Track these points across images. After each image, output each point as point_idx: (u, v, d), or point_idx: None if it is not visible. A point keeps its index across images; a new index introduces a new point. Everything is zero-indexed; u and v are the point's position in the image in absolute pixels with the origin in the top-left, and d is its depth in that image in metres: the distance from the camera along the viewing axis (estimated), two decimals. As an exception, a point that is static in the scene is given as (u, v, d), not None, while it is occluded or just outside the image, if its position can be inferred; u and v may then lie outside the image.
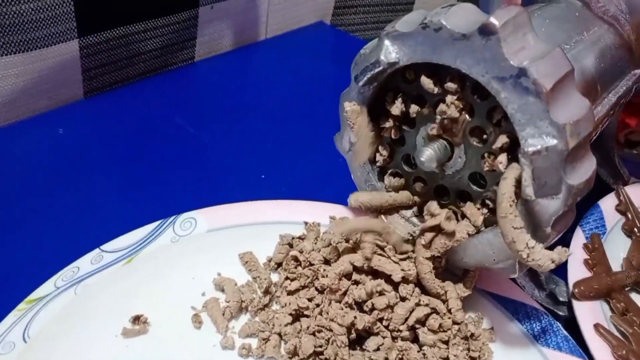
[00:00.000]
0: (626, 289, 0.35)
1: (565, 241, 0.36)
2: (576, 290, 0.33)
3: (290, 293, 0.32)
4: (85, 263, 0.32)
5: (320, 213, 0.36)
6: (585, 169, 0.24)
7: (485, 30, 0.24)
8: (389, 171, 0.32)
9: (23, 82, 0.45)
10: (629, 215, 0.40)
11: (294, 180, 0.44)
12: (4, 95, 0.45)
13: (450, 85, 0.26)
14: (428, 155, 0.27)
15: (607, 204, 0.40)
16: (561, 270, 0.34)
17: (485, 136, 0.27)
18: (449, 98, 0.26)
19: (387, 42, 0.27)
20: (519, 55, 0.23)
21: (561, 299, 0.34)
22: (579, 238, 0.37)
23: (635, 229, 0.39)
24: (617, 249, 0.37)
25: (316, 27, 0.69)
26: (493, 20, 0.23)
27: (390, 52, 0.27)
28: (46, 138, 0.46)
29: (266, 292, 0.32)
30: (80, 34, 0.47)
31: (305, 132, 0.50)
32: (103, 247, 0.33)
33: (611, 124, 0.43)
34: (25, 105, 0.47)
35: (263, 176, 0.44)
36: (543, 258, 0.24)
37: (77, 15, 0.45)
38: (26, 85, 0.46)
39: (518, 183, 0.25)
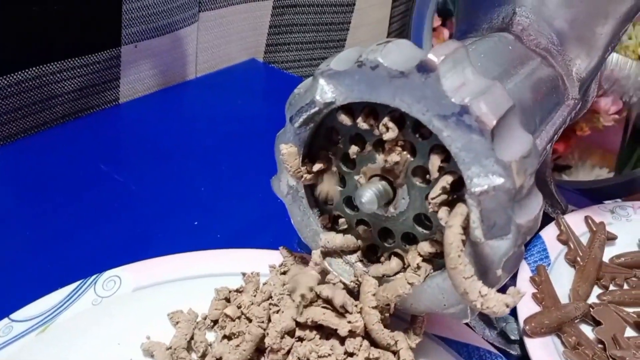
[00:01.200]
0: (576, 321, 0.34)
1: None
2: (527, 327, 0.32)
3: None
4: (-10, 337, 0.28)
5: (259, 261, 0.34)
6: (534, 206, 0.23)
7: (424, 67, 0.22)
8: (333, 213, 0.30)
9: None
10: (571, 245, 0.40)
11: (230, 226, 0.41)
12: None
13: (386, 127, 0.24)
14: (369, 196, 0.26)
15: (549, 234, 0.40)
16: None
17: (428, 176, 0.26)
18: (389, 136, 0.25)
19: (322, 81, 0.26)
20: (460, 92, 0.22)
21: (512, 337, 0.33)
22: (524, 272, 0.36)
23: (578, 258, 0.39)
24: (562, 280, 0.37)
25: (248, 64, 0.67)
26: (431, 56, 0.22)
27: (325, 92, 0.26)
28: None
29: (203, 355, 0.29)
30: (-12, 76, 0.43)
31: (239, 174, 0.48)
32: (12, 316, 0.29)
33: (547, 155, 0.44)
34: None
35: (196, 223, 0.41)
36: (497, 304, 0.22)
37: (-16, 56, 0.41)
38: None
39: (465, 226, 0.23)
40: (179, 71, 0.59)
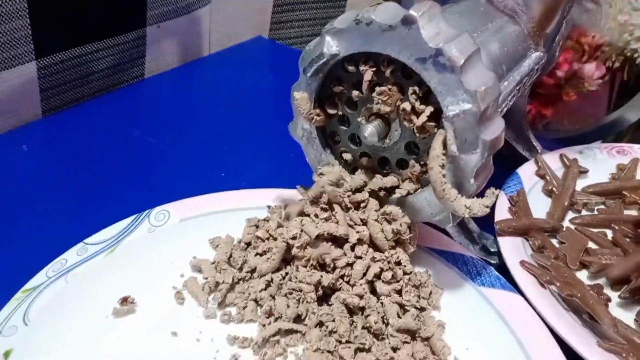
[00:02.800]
0: (545, 233, 0.41)
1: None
2: (498, 227, 0.39)
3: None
4: (71, 255, 0.35)
5: (280, 197, 0.41)
6: (496, 127, 0.30)
7: (407, 21, 0.29)
8: (340, 150, 0.37)
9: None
10: (548, 178, 0.47)
11: (251, 175, 0.48)
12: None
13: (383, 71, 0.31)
14: (370, 131, 0.33)
15: (525, 170, 0.47)
16: (491, 227, 0.40)
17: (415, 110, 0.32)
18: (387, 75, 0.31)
19: (328, 38, 0.32)
20: (436, 39, 0.29)
21: (492, 249, 0.39)
22: (503, 202, 0.43)
23: (554, 189, 0.46)
24: (538, 208, 0.44)
25: (255, 41, 0.74)
26: (412, 12, 0.29)
27: (331, 46, 0.32)
28: (12, 155, 0.48)
29: (240, 268, 0.36)
30: (38, 56, 0.49)
31: (254, 133, 0.54)
32: (86, 240, 0.36)
33: (521, 105, 0.50)
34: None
35: (223, 174, 0.48)
36: (476, 207, 0.29)
37: (35, 38, 0.48)
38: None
39: (444, 146, 0.30)
40: (194, 49, 0.66)
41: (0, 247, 0.38)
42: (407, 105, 0.31)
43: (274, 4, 0.73)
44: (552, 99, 1.13)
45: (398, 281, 0.34)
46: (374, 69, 0.32)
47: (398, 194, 0.34)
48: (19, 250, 0.38)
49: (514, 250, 0.38)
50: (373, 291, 0.34)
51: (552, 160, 0.49)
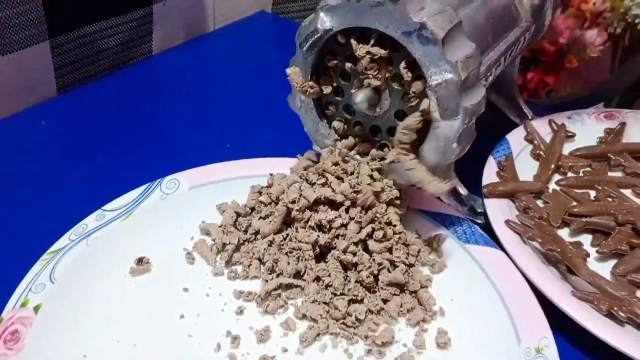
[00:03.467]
0: (530, 194, 0.43)
1: (480, 170, 0.45)
2: (485, 190, 0.41)
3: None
4: (91, 221, 0.38)
5: (281, 165, 0.43)
6: (476, 95, 0.33)
7: (392, -2, 0.31)
8: (336, 119, 0.39)
9: (6, 83, 0.51)
10: (536, 142, 0.49)
11: (256, 144, 0.51)
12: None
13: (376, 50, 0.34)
14: (361, 97, 0.35)
15: (514, 136, 0.49)
16: (480, 190, 0.43)
17: (403, 80, 0.35)
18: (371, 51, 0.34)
19: (322, 14, 0.35)
20: (420, 14, 0.31)
21: (479, 210, 0.42)
22: (491, 166, 0.45)
23: (541, 152, 0.48)
24: (526, 171, 0.46)
25: (259, 15, 0.76)
26: (396, -11, 0.31)
27: (325, 22, 0.35)
28: (32, 130, 0.51)
29: (245, 231, 0.39)
30: (51, 36, 0.52)
31: (257, 105, 0.57)
32: (104, 207, 0.39)
33: (511, 73, 0.52)
34: (4, 104, 0.52)
35: (228, 145, 0.51)
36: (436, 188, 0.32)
37: (47, 18, 0.51)
38: (4, 86, 0.51)
39: (427, 114, 0.33)
40: (200, 24, 0.68)
41: (25, 214, 0.42)
42: (407, 74, 0.34)
43: (277, -24, 0.75)
44: (554, 66, 1.14)
45: (389, 240, 0.37)
46: (365, 44, 0.35)
47: (388, 160, 0.36)
48: (44, 216, 0.41)
49: (499, 211, 0.41)
50: (366, 249, 0.37)
51: (542, 125, 0.51)
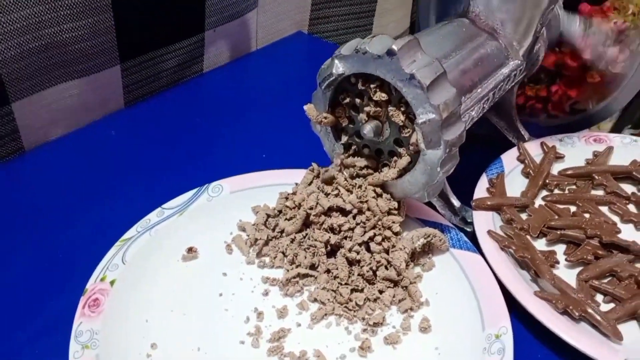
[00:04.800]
0: (515, 208, 0.51)
1: (473, 185, 0.53)
2: (474, 204, 0.49)
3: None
4: (153, 216, 0.48)
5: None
6: (455, 130, 0.41)
7: (391, 52, 0.40)
8: (348, 142, 0.48)
9: (80, 99, 0.62)
10: (527, 162, 0.57)
11: (287, 157, 0.60)
12: (68, 110, 0.61)
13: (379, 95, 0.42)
14: (368, 129, 0.44)
15: (508, 155, 0.57)
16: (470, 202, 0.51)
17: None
18: (378, 96, 0.43)
19: (336, 61, 0.43)
20: (410, 66, 0.40)
21: (469, 220, 0.50)
22: (483, 183, 0.53)
23: (531, 171, 0.56)
24: (515, 187, 0.54)
25: (296, 36, 0.85)
26: (394, 46, 0.40)
27: (339, 67, 0.43)
28: (103, 138, 0.62)
29: (273, 229, 0.49)
30: (122, 61, 0.63)
31: (291, 120, 0.66)
32: (163, 206, 0.49)
33: (509, 99, 0.60)
34: (82, 117, 0.63)
35: (264, 155, 0.61)
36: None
37: (119, 47, 0.61)
38: (83, 101, 0.62)
39: (416, 145, 0.41)
40: (244, 46, 0.78)
41: (102, 209, 0.52)
42: (399, 116, 0.42)
43: (312, 3, 0.84)
44: (577, 81, 1.20)
45: (388, 241, 0.46)
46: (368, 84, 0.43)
47: (389, 178, 0.45)
48: (117, 211, 0.52)
49: (484, 221, 0.49)
50: (368, 249, 0.46)
51: (534, 147, 0.58)
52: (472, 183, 0.53)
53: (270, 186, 0.53)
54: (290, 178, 0.53)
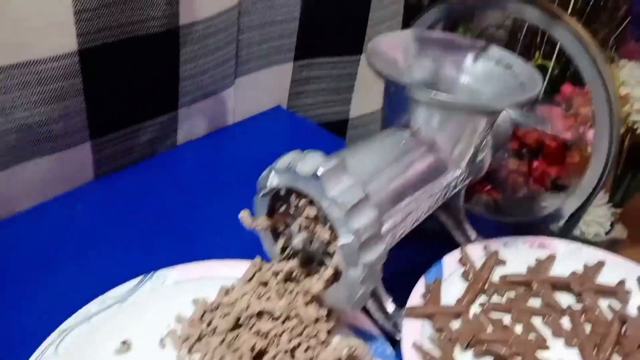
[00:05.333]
0: (448, 317, 0.52)
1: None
2: (405, 311, 0.51)
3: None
4: (93, 306, 0.50)
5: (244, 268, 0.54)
6: (374, 252, 0.43)
7: (316, 176, 0.42)
8: (282, 246, 0.50)
9: (50, 174, 0.65)
10: (467, 266, 0.58)
11: (253, 244, 0.61)
12: (37, 184, 0.64)
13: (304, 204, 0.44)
14: (297, 241, 0.46)
15: (450, 258, 0.58)
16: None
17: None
18: (305, 214, 0.45)
19: (272, 174, 0.46)
20: (333, 190, 0.42)
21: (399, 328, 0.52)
22: (420, 285, 0.54)
23: (471, 276, 0.57)
24: (454, 292, 0.55)
25: (274, 111, 0.88)
26: (319, 170, 0.42)
27: (274, 180, 0.46)
28: (68, 212, 0.65)
29: (208, 324, 0.50)
30: (92, 138, 0.66)
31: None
32: (105, 294, 0.51)
33: (456, 201, 0.61)
34: (51, 190, 0.66)
35: (218, 239, 0.63)
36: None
37: (90, 126, 0.64)
38: (53, 176, 0.65)
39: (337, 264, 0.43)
40: (220, 121, 0.81)
41: (43, 292, 0.55)
42: (325, 233, 0.44)
43: (292, 79, 0.87)
44: (558, 159, 1.21)
45: (312, 351, 0.47)
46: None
47: (315, 289, 0.47)
48: (58, 297, 0.54)
49: (414, 331, 0.50)
50: (293, 356, 0.47)
51: (478, 249, 0.59)
52: (415, 281, 0.54)
53: (216, 278, 0.54)
54: (240, 270, 0.55)
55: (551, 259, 0.60)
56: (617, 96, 0.57)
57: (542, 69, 1.04)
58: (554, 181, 1.21)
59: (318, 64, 0.87)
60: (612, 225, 1.17)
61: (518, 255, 0.60)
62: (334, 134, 0.84)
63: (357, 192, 0.42)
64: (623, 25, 1.16)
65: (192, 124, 0.77)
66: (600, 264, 0.59)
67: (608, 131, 0.59)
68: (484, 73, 0.55)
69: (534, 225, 0.69)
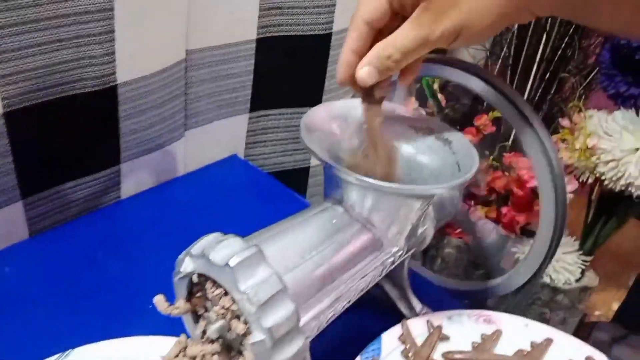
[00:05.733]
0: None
1: None
2: None
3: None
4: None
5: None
6: (290, 349, 0.40)
7: (228, 265, 0.40)
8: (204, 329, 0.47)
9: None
10: (407, 343, 0.55)
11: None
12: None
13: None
14: (212, 330, 0.43)
15: (390, 334, 0.55)
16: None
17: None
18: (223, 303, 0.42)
19: (187, 259, 0.43)
20: (246, 282, 0.39)
21: (330, 414, 0.49)
22: (355, 365, 0.52)
23: (410, 354, 0.54)
24: (393, 372, 0.52)
25: (229, 160, 0.85)
26: (231, 261, 0.39)
27: (188, 265, 0.43)
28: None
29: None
30: (23, 197, 0.63)
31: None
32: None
33: (400, 272, 0.59)
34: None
35: (150, 306, 0.60)
36: None
37: (20, 185, 0.62)
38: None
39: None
40: (169, 173, 0.78)
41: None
42: (239, 326, 0.42)
43: (248, 130, 0.85)
44: (525, 206, 1.19)
45: None
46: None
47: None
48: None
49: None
50: None
51: (421, 324, 0.57)
52: (354, 356, 0.52)
53: (138, 357, 0.51)
54: (165, 347, 0.51)
55: (497, 334, 0.57)
56: (561, 169, 0.55)
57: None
58: (523, 227, 1.19)
59: (275, 115, 0.85)
60: (582, 273, 1.16)
61: (463, 330, 0.57)
62: (285, 186, 0.81)
63: (273, 284, 0.40)
64: (592, 75, 1.16)
65: (138, 177, 0.74)
66: (548, 342, 0.57)
67: (553, 207, 0.57)
68: (425, 146, 0.53)
69: (484, 291, 0.67)
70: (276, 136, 0.88)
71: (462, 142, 0.51)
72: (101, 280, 0.62)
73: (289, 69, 0.81)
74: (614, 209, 1.07)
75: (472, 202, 1.14)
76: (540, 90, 1.08)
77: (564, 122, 1.06)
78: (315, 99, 0.86)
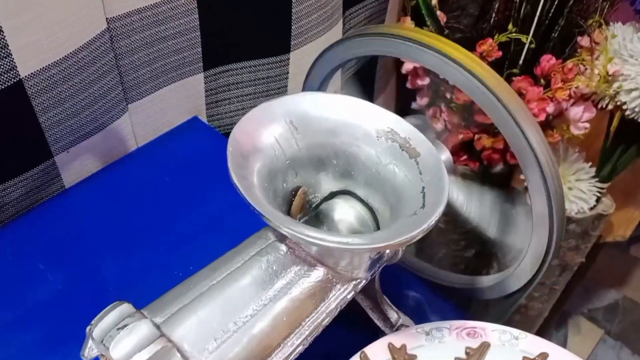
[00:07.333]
0: None
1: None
2: None
3: None
4: None
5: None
6: None
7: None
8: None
9: None
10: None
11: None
12: None
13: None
14: None
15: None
16: None
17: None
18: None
19: (90, 342, 0.36)
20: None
21: None
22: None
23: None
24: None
25: (189, 124, 0.75)
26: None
27: (92, 350, 0.36)
28: None
29: None
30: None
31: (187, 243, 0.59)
32: None
33: (373, 287, 0.51)
34: None
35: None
36: None
37: None
38: None
39: None
40: (118, 150, 0.69)
41: None
42: None
43: (206, 89, 0.73)
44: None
45: None
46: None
47: None
48: None
49: None
50: None
51: (381, 350, 0.49)
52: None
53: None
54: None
55: (483, 347, 0.50)
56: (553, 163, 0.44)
57: (518, 43, 0.89)
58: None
59: (236, 70, 0.73)
60: (597, 200, 1.07)
61: (444, 346, 0.50)
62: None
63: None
64: (616, -19, 0.98)
65: (82, 164, 0.65)
66: (543, 356, 0.50)
67: (547, 206, 0.47)
68: (389, 154, 0.43)
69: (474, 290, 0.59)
70: (242, 91, 0.76)
71: (432, 159, 0.40)
72: (38, 286, 0.56)
73: (245, 17, 0.67)
74: (634, 137, 0.96)
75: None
76: (556, 2, 0.91)
77: (583, 40, 0.91)
78: (283, 46, 0.73)
